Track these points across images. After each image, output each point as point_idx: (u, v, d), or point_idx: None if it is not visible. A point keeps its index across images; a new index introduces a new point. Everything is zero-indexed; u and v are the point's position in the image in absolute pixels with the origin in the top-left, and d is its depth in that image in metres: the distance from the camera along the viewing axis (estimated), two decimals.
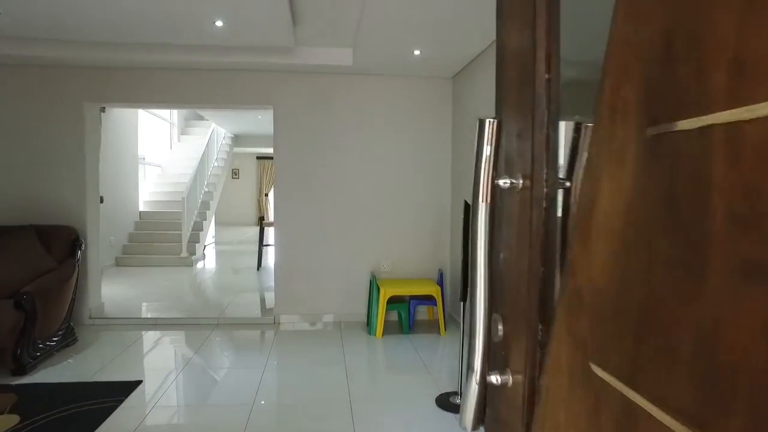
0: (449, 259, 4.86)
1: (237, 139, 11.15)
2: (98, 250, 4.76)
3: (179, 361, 3.77)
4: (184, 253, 7.54)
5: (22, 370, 3.40)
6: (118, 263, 7.41)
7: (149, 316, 4.67)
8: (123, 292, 5.75)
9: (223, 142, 10.27)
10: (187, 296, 5.75)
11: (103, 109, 6.49)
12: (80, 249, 4.12)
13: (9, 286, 3.59)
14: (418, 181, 4.81)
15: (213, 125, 9.47)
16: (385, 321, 4.37)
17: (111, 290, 5.83)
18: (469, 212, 3.24)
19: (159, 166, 9.42)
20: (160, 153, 9.53)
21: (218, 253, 9.21)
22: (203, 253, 8.74)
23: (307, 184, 4.68)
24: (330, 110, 4.67)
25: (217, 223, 13.38)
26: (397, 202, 4.79)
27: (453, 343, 4.19)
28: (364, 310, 4.77)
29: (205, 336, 4.31)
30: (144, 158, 8.97)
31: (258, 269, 7.22)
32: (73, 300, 3.99)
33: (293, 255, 4.71)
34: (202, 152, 8.65)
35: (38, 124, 4.49)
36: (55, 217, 4.49)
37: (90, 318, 4.57)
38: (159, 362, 3.78)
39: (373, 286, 4.48)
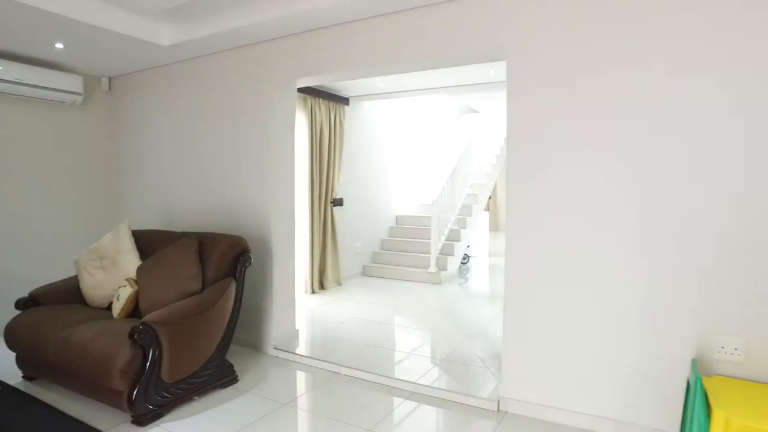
0: None
1: None
2: (292, 265, 3.84)
3: None
4: (433, 268, 6.28)
5: (137, 421, 2.58)
6: (365, 273, 6.71)
7: (334, 361, 3.45)
8: (339, 315, 4.80)
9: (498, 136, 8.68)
10: (402, 334, 4.38)
11: (346, 102, 5.81)
12: (245, 266, 3.18)
13: (156, 308, 2.87)
14: None
15: (480, 114, 8.00)
16: None
17: (329, 309, 4.98)
18: None
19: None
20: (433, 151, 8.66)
21: (487, 268, 7.66)
22: (466, 267, 7.37)
23: (563, 186, 2.60)
24: (603, 58, 2.46)
25: (500, 230, 11.93)
26: (753, 218, 2.18)
27: None
28: (672, 429, 2.36)
29: (386, 412, 2.78)
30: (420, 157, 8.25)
31: None
32: (229, 330, 3.07)
33: (536, 302, 2.70)
34: (463, 148, 7.27)
35: (221, 113, 3.88)
36: (237, 224, 3.78)
37: (275, 349, 3.66)
38: None
39: (695, 392, 2.06)
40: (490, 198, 10.06)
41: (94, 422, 2.60)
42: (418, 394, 3.01)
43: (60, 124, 4.42)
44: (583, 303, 2.56)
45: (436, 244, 6.37)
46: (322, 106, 5.47)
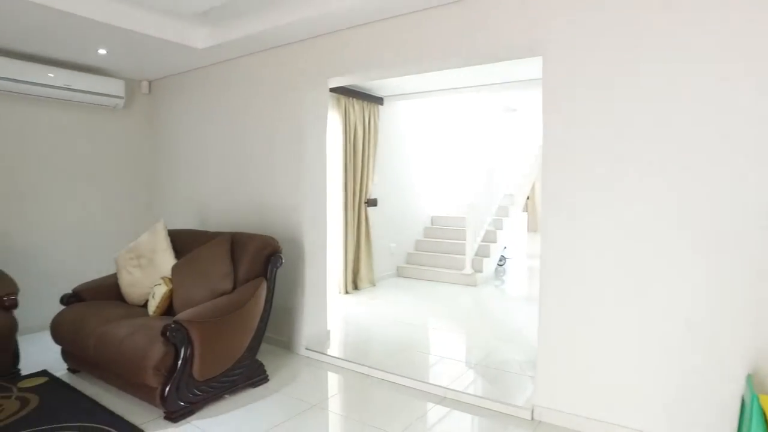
0: None
1: None
2: (324, 265, 3.83)
3: None
4: (468, 270, 6.17)
5: (170, 417, 2.63)
6: (399, 273, 6.66)
7: (366, 363, 3.42)
8: (372, 316, 4.78)
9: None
10: (436, 337, 4.31)
11: (380, 102, 5.78)
12: (276, 266, 3.19)
13: (189, 306, 2.92)
14: None
15: (517, 113, 7.81)
16: None
17: (362, 310, 4.96)
18: None
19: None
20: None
21: (524, 270, 7.47)
22: (502, 269, 7.20)
23: (604, 186, 2.47)
24: (655, 54, 2.31)
25: (538, 232, 11.63)
26: None
27: None
28: None
29: (416, 417, 2.72)
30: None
31: None
32: (260, 330, 3.09)
33: (575, 306, 2.58)
34: (500, 147, 7.11)
35: (254, 114, 3.94)
36: (270, 224, 3.82)
37: (306, 349, 3.66)
38: None
39: (751, 411, 1.90)
40: (528, 198, 9.82)
41: (129, 416, 2.66)
42: (449, 400, 2.94)
43: (102, 126, 4.58)
44: (626, 310, 2.42)
45: (471, 246, 6.25)
46: (356, 105, 5.46)
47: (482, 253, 6.46)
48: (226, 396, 2.93)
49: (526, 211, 11.33)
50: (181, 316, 2.67)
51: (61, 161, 4.31)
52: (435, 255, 6.68)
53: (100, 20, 3.15)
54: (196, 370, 2.68)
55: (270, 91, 3.82)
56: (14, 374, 3.18)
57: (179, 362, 2.61)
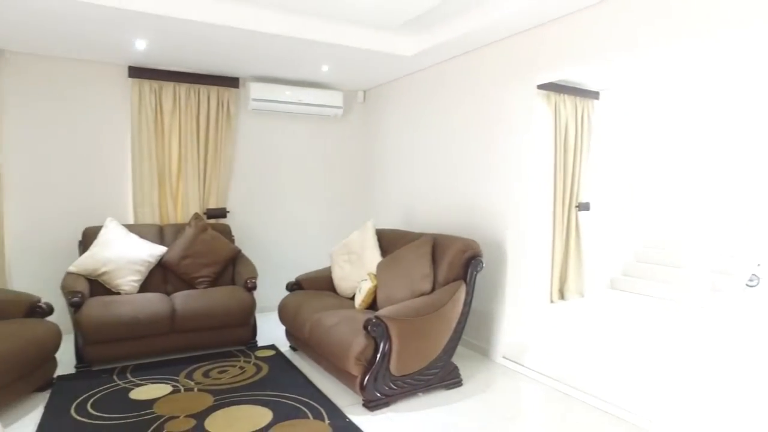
0: None
1: None
2: (527, 272, 3.61)
3: None
4: (701, 289, 5.13)
5: (368, 405, 2.80)
6: (613, 286, 5.91)
7: (565, 381, 3.09)
8: (578, 330, 4.32)
9: None
10: (650, 363, 3.67)
11: (595, 96, 5.26)
12: (476, 271, 3.11)
13: (390, 303, 3.08)
14: None
15: None
16: None
17: (567, 323, 4.51)
18: None
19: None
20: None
21: None
22: (752, 291, 5.82)
23: None
24: None
25: None
26: None
27: None
28: None
29: None
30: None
31: None
32: (457, 333, 3.06)
33: None
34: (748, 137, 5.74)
35: (457, 116, 3.91)
36: (472, 226, 3.75)
37: (503, 358, 3.51)
38: None
39: None
40: None
41: (334, 398, 2.92)
42: None
43: (324, 134, 5.17)
44: None
45: (706, 260, 5.20)
46: (567, 102, 5.03)
47: (722, 269, 5.32)
48: (420, 394, 2.98)
49: None
50: (381, 312, 2.81)
51: (293, 165, 5.01)
52: (658, 268, 5.75)
53: (324, 41, 3.52)
54: (393, 365, 2.79)
55: (473, 93, 3.77)
56: (253, 344, 3.82)
57: (378, 355, 2.75)
